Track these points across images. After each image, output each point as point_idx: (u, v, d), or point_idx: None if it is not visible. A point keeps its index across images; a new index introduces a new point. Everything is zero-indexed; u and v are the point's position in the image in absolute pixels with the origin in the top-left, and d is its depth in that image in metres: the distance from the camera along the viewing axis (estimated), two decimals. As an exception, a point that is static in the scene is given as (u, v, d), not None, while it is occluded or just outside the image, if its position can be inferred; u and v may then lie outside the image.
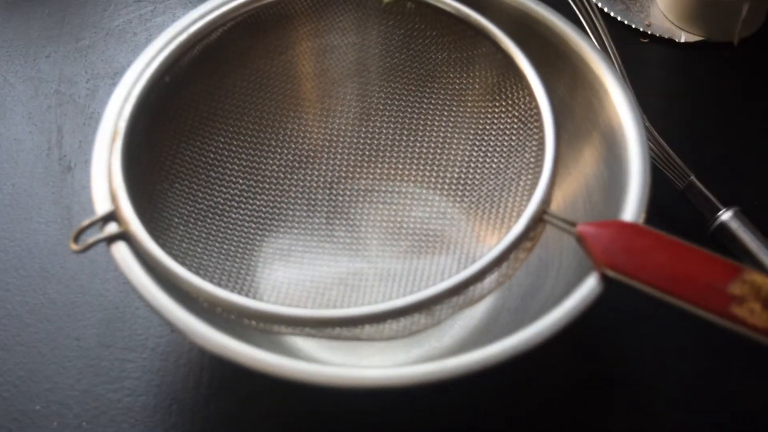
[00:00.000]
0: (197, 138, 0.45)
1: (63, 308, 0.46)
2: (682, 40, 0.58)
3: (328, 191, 0.48)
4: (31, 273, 0.47)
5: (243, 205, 0.45)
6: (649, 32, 0.59)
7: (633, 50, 0.58)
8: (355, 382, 0.33)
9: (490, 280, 0.37)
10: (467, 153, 0.46)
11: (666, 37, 0.58)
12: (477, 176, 0.46)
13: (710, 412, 0.43)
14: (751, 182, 0.51)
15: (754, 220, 0.46)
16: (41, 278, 0.47)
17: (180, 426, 0.42)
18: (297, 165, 0.48)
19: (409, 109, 0.48)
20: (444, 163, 0.47)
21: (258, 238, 0.45)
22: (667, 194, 0.48)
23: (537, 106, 0.41)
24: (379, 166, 0.48)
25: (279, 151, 0.47)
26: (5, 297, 0.46)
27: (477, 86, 0.46)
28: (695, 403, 0.43)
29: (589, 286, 0.35)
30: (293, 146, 0.48)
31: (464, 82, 0.47)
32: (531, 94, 0.41)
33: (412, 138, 0.48)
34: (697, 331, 0.45)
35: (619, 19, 0.59)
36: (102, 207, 0.38)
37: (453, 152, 0.47)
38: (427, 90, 0.48)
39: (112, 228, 0.37)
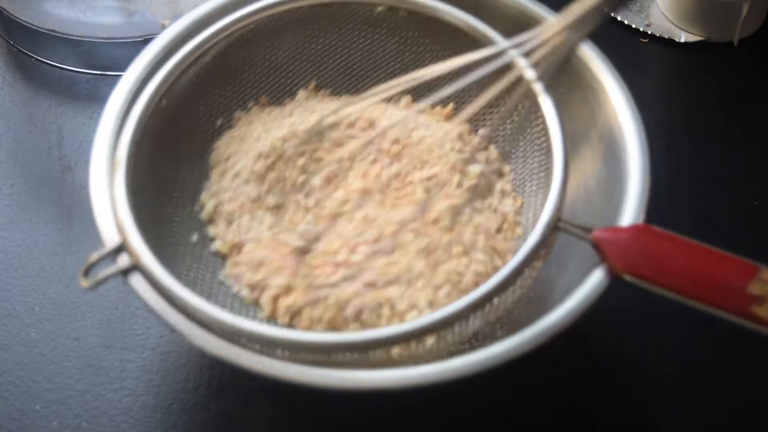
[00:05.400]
0: (198, 159, 0.45)
1: (63, 308, 0.46)
2: (682, 40, 0.58)
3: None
4: (31, 273, 0.47)
5: None
6: (649, 32, 0.59)
7: (633, 50, 0.58)
8: (355, 384, 0.33)
9: (511, 290, 0.37)
10: None
11: (666, 37, 0.58)
12: None
13: (710, 413, 0.43)
14: (751, 182, 0.51)
15: (754, 220, 0.46)
16: (41, 278, 0.47)
17: (180, 426, 0.42)
18: None
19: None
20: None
21: None
22: (667, 194, 0.49)
23: (540, 110, 0.41)
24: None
25: None
26: (5, 297, 0.46)
27: (474, 93, 0.46)
28: (695, 404, 0.43)
29: (592, 284, 0.35)
30: None
31: (462, 89, 0.46)
32: (533, 98, 0.41)
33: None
34: (697, 333, 0.45)
35: (619, 19, 0.59)
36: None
37: None
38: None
39: (123, 260, 0.36)
